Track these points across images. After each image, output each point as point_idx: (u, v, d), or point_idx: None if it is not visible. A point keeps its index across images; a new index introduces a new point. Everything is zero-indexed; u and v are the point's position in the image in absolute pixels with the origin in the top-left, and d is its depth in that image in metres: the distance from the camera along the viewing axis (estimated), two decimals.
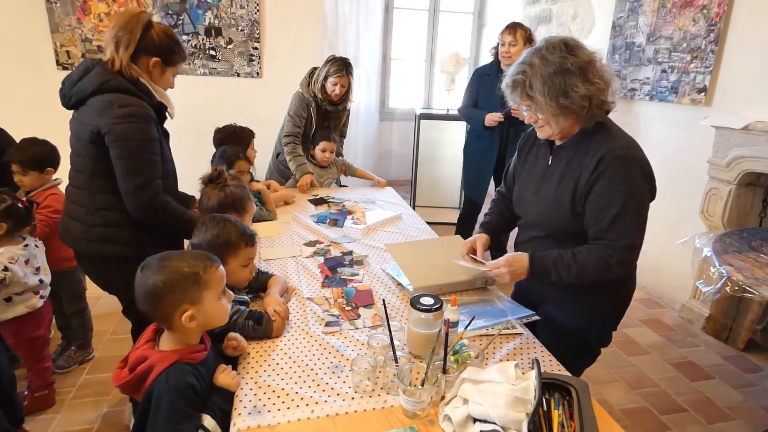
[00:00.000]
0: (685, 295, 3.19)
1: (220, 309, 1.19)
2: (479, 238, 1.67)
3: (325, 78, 2.82)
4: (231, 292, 1.26)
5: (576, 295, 1.52)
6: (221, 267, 1.20)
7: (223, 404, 1.15)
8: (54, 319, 2.43)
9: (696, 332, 3.04)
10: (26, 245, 2.01)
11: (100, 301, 3.11)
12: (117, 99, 1.57)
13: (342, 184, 3.31)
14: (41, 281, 2.08)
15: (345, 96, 2.94)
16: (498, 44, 3.19)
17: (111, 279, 1.81)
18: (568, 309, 1.56)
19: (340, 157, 3.26)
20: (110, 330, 2.80)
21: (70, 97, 1.66)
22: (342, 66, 2.80)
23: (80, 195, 1.70)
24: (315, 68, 2.96)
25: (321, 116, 3.02)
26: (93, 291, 3.19)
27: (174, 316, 1.11)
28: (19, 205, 1.95)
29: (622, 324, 3.07)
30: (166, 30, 1.67)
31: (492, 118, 3.11)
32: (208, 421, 1.08)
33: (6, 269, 1.90)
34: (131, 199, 1.61)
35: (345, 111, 3.08)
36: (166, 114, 1.76)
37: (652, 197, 1.42)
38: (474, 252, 1.63)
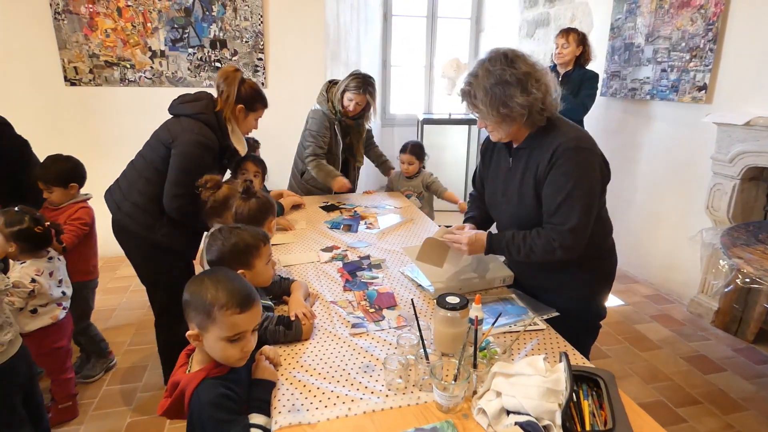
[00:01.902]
0: (693, 290, 3.23)
1: (216, 348, 1.12)
2: (467, 227, 1.76)
3: (344, 91, 2.80)
4: (250, 343, 1.17)
5: (567, 281, 1.61)
6: (243, 316, 1.11)
7: (267, 396, 1.18)
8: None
9: (705, 326, 3.08)
10: (50, 258, 2.05)
11: (115, 313, 3.15)
12: (199, 127, 2.01)
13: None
14: (63, 293, 2.11)
15: (362, 113, 2.91)
16: (553, 48, 3.44)
17: (129, 250, 2.19)
18: (564, 294, 1.63)
19: (430, 175, 3.21)
20: (127, 341, 2.83)
21: (174, 108, 2.10)
22: (361, 84, 2.76)
23: (133, 173, 2.12)
24: (331, 82, 2.94)
25: (342, 132, 2.98)
26: (107, 303, 3.25)
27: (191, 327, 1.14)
28: (37, 230, 1.95)
29: (632, 320, 3.15)
30: (253, 85, 2.13)
31: None
32: (257, 418, 1.11)
33: (34, 281, 1.94)
34: (168, 200, 2.01)
35: (363, 126, 3.04)
36: (233, 154, 2.21)
37: (606, 182, 1.53)
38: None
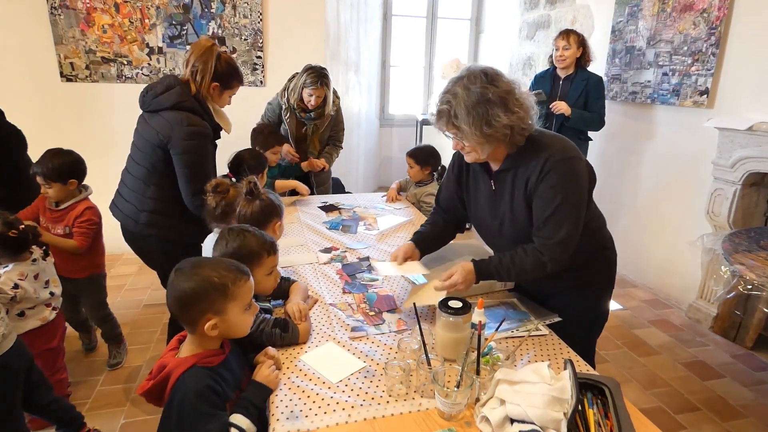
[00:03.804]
0: (691, 295, 3.22)
1: (243, 321, 1.19)
2: (404, 247, 1.71)
3: (302, 87, 2.83)
4: (256, 305, 1.26)
5: (573, 283, 1.59)
6: (251, 279, 1.20)
7: (259, 401, 1.15)
8: (68, 321, 2.49)
9: (704, 332, 3.06)
10: (34, 260, 1.98)
11: None
12: (187, 117, 1.91)
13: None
14: (52, 294, 2.06)
15: (322, 105, 2.93)
16: (553, 51, 3.36)
17: (150, 254, 2.17)
18: (570, 295, 1.61)
19: (430, 195, 2.93)
20: None
21: (149, 105, 1.99)
22: (317, 78, 2.79)
23: (137, 183, 2.04)
24: (297, 74, 2.94)
25: (298, 122, 3.02)
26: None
27: (198, 323, 1.11)
28: (11, 234, 1.87)
29: (630, 325, 3.13)
30: (229, 60, 2.02)
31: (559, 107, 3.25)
32: (239, 419, 1.08)
33: (16, 286, 1.88)
34: (189, 200, 1.98)
35: (322, 119, 3.02)
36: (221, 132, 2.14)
37: (592, 187, 1.52)
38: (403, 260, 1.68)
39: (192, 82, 1.96)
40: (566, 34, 3.28)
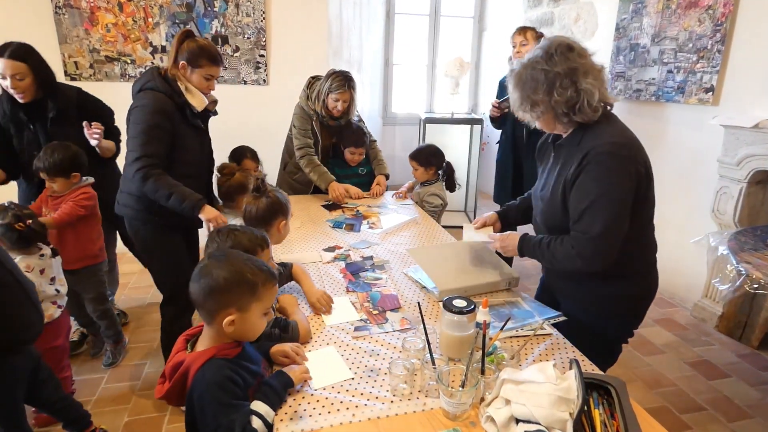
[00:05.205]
0: (696, 294, 3.20)
1: (259, 324, 1.18)
2: (488, 215, 1.86)
3: (327, 94, 2.73)
4: (272, 313, 1.26)
5: (593, 295, 1.54)
6: (277, 286, 1.20)
7: (279, 386, 1.14)
8: (76, 319, 2.59)
9: (709, 331, 3.04)
10: (42, 255, 2.01)
11: None
12: (147, 95, 2.00)
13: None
14: (57, 291, 2.08)
15: (347, 110, 2.85)
16: (511, 48, 3.27)
17: (135, 238, 2.22)
18: (586, 308, 1.57)
19: (431, 194, 2.97)
20: (126, 339, 2.78)
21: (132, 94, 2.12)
22: (344, 81, 2.71)
23: (123, 168, 2.12)
24: (313, 77, 2.88)
25: (326, 131, 2.94)
26: None
27: (218, 315, 1.10)
28: (17, 227, 1.90)
29: None
30: (199, 41, 2.09)
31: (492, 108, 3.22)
32: (259, 406, 1.08)
33: None
34: (126, 167, 2.02)
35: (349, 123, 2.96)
36: (194, 111, 2.12)
37: (641, 193, 1.40)
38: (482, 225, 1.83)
39: (166, 65, 2.11)
40: (523, 30, 3.18)
